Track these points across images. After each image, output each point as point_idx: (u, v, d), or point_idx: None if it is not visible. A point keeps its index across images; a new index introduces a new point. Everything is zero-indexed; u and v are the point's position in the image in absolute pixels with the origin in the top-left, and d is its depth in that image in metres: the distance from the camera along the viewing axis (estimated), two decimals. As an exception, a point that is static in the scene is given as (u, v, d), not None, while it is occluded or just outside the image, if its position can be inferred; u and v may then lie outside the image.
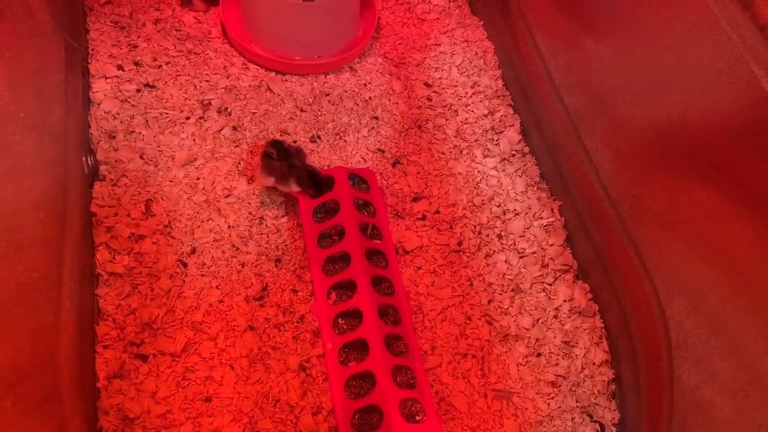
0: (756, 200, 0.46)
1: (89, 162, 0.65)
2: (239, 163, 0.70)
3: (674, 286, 0.55)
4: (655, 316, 0.57)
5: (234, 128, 0.73)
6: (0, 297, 0.42)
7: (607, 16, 0.62)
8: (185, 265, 0.64)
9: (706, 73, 0.49)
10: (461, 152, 0.76)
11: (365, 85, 0.80)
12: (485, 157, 0.76)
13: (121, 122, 0.71)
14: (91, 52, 0.76)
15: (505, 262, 0.69)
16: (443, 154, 0.76)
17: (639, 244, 0.59)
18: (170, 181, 0.68)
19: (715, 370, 0.48)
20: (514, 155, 0.76)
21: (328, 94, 0.78)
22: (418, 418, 0.57)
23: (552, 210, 0.72)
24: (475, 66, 0.83)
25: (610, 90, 0.62)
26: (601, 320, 0.65)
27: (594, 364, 0.63)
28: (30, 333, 0.48)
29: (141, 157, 0.69)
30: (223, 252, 0.65)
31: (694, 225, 0.53)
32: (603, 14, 0.63)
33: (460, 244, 0.69)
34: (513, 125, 0.78)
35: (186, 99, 0.74)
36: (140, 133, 0.70)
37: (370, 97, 0.78)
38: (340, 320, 0.61)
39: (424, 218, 0.71)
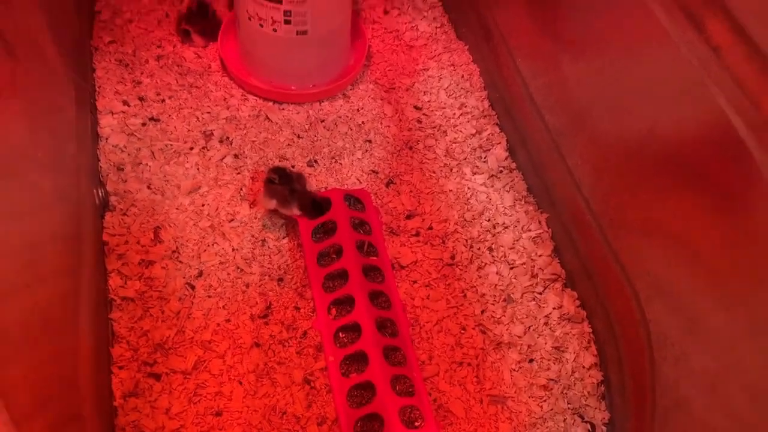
0: (720, 207, 0.50)
1: (100, 194, 0.69)
2: (241, 189, 0.74)
3: (653, 290, 0.59)
4: (636, 320, 0.60)
5: (235, 156, 0.77)
6: (27, 325, 0.45)
7: (582, 40, 0.66)
8: (193, 287, 0.67)
9: (669, 92, 0.53)
10: (451, 170, 0.80)
11: (358, 110, 0.84)
12: (474, 174, 0.80)
13: (129, 155, 0.75)
14: (97, 89, 0.80)
15: (497, 273, 0.72)
16: (434, 172, 0.80)
17: (619, 252, 0.63)
18: (177, 209, 0.72)
19: (690, 367, 0.51)
20: (501, 171, 0.80)
21: (323, 121, 0.82)
22: (417, 424, 0.61)
23: (539, 222, 0.76)
24: (461, 88, 0.87)
25: (586, 108, 0.66)
26: (589, 326, 0.69)
27: (583, 367, 0.67)
28: (53, 357, 0.51)
29: (148, 187, 0.73)
30: (229, 274, 0.69)
31: (668, 231, 0.56)
32: (578, 38, 0.67)
33: (453, 257, 0.73)
34: (500, 143, 0.82)
35: (189, 130, 0.78)
36: (147, 164, 0.75)
37: (363, 122, 0.83)
38: (340, 334, 0.65)
39: (417, 234, 0.74)
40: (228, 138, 0.78)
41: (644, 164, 0.58)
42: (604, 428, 0.64)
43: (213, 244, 0.70)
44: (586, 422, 0.64)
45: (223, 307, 0.67)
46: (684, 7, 0.49)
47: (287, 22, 0.74)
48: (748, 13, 0.43)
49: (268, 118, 0.81)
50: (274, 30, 0.75)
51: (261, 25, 0.75)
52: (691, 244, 0.54)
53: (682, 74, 0.51)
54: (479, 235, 0.75)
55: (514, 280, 0.72)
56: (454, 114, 0.85)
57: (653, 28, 0.53)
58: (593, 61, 0.64)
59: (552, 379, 0.66)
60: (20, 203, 0.48)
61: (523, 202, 0.78)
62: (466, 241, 0.74)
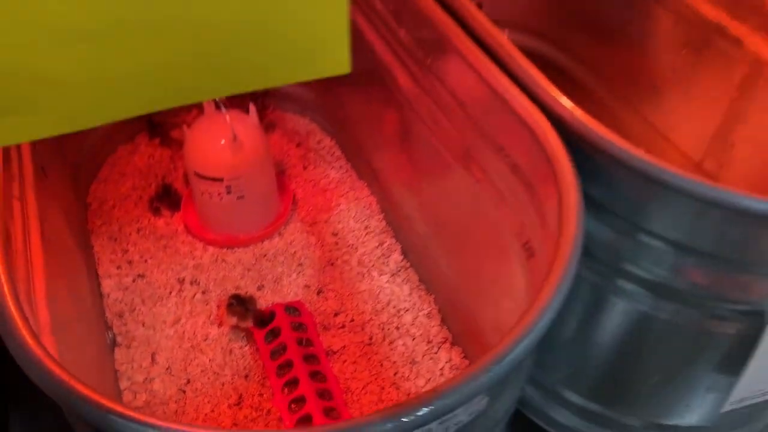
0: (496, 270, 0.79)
1: (109, 335, 0.96)
2: (210, 316, 1.02)
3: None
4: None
5: (203, 293, 1.05)
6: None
7: (425, 174, 0.99)
8: (184, 392, 0.93)
9: (469, 208, 0.84)
10: (363, 276, 1.09)
11: (290, 243, 1.14)
12: (380, 275, 1.09)
13: (126, 304, 1.03)
14: (97, 259, 1.09)
15: (403, 344, 1.00)
16: (351, 279, 1.09)
17: (476, 316, 0.92)
18: (165, 338, 0.99)
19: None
20: (399, 270, 1.09)
21: (265, 255, 1.11)
22: (353, 458, 0.86)
23: (429, 302, 1.04)
24: (364, 215, 1.18)
25: (437, 217, 0.97)
26: (471, 370, 0.96)
27: (470, 400, 0.93)
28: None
29: (143, 326, 1.00)
30: (208, 378, 0.95)
31: (498, 297, 0.86)
32: (423, 173, 0.99)
33: (370, 339, 1.01)
34: (396, 250, 1.12)
35: (167, 280, 1.06)
36: (140, 309, 1.02)
37: (295, 251, 1.12)
38: (292, 405, 0.90)
39: (343, 327, 1.02)
40: (196, 280, 1.07)
41: (472, 252, 0.88)
42: (489, 440, 0.89)
43: (194, 359, 0.97)
44: (475, 438, 0.89)
45: (208, 402, 0.92)
46: (460, 159, 0.82)
47: (228, 192, 1.05)
48: (486, 163, 0.76)
49: (224, 261, 1.10)
50: (220, 199, 1.06)
51: (210, 197, 1.06)
52: (506, 295, 0.83)
53: (469, 196, 0.82)
54: (388, 319, 1.03)
55: (416, 347, 0.99)
56: (361, 234, 1.15)
57: (452, 169, 0.85)
58: (433, 187, 0.96)
59: (448, 412, 0.92)
60: (69, 350, 0.75)
61: (417, 290, 1.06)
62: (379, 325, 1.02)
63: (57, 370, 0.45)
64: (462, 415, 0.44)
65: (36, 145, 0.83)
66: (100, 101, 0.36)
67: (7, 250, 0.56)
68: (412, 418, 0.40)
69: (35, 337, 0.48)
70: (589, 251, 0.73)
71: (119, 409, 0.42)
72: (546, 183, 0.62)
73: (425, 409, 0.41)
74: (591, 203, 0.70)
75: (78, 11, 0.32)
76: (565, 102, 0.67)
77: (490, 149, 0.74)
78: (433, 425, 0.42)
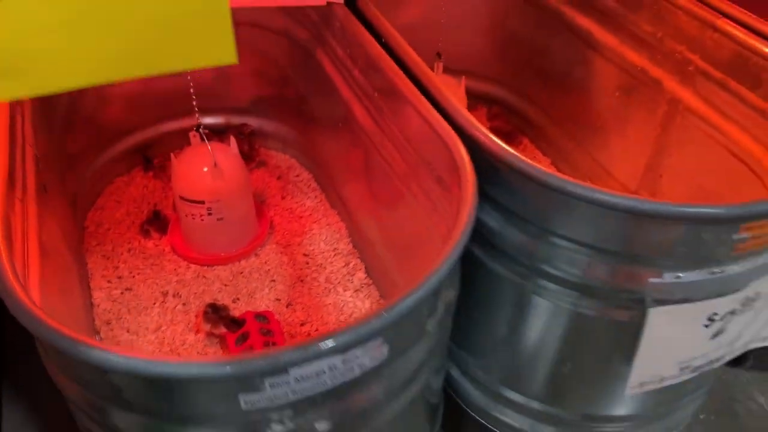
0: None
1: (97, 339, 1.07)
2: (188, 324, 1.13)
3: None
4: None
5: (183, 304, 1.16)
6: None
7: (386, 201, 1.11)
8: (161, 389, 1.03)
9: (413, 224, 0.97)
10: (329, 291, 1.20)
11: (265, 262, 1.26)
12: (345, 291, 1.20)
13: (113, 314, 1.14)
14: (90, 274, 1.21)
15: (362, 351, 1.10)
16: (319, 294, 1.20)
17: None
18: (147, 343, 1.10)
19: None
20: (362, 287, 1.21)
21: (241, 272, 1.23)
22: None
23: (387, 314, 1.15)
24: (334, 238, 1.30)
25: (393, 237, 1.09)
26: (421, 372, 1.06)
27: (419, 399, 1.03)
28: None
29: (127, 332, 1.11)
30: (184, 378, 1.05)
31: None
32: (383, 201, 1.12)
33: (333, 346, 1.11)
34: (360, 269, 1.24)
35: (152, 293, 1.18)
36: (126, 318, 1.13)
37: (269, 269, 1.24)
38: (257, 400, 1.00)
39: (309, 335, 1.13)
40: (178, 293, 1.18)
41: (418, 266, 1.00)
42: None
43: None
44: (421, 432, 0.99)
45: (181, 398, 1.02)
46: (405, 182, 0.95)
47: (209, 214, 1.18)
48: (422, 182, 0.89)
49: (204, 277, 1.22)
50: (202, 220, 1.18)
51: (193, 219, 1.19)
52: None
53: (412, 214, 0.95)
54: (349, 329, 1.13)
55: (373, 353, 1.10)
56: (330, 255, 1.27)
57: (401, 193, 0.98)
58: (388, 211, 1.09)
59: (398, 409, 1.01)
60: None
61: (377, 304, 1.18)
62: (341, 334, 1.13)
63: (41, 315, 0.57)
64: (363, 358, 0.55)
65: (39, 165, 0.97)
66: (74, 70, 0.50)
67: (8, 233, 0.68)
68: (317, 349, 0.51)
69: (24, 288, 0.59)
70: (508, 255, 0.86)
71: (89, 341, 0.53)
72: (457, 186, 0.75)
73: (328, 342, 0.52)
74: (505, 211, 0.82)
75: (59, 11, 0.47)
76: (480, 126, 0.80)
77: (423, 168, 0.87)
78: (337, 361, 0.53)
